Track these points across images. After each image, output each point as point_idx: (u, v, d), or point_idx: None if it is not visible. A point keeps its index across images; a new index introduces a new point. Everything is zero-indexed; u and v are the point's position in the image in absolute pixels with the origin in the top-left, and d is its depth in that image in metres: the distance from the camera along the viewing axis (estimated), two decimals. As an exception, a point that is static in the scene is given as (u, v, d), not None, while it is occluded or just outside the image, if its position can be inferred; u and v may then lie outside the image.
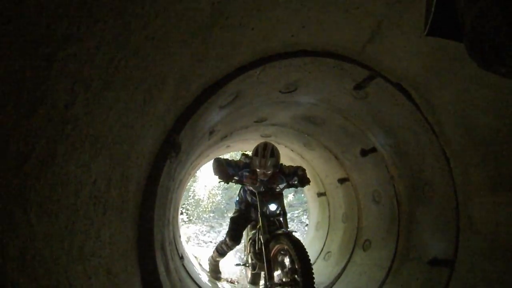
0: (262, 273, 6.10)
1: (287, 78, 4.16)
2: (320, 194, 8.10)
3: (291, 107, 5.30)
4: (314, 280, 3.93)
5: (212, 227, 18.57)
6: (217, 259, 6.71)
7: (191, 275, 5.57)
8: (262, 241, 4.84)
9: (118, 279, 2.12)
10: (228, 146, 7.56)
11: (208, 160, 8.48)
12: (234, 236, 6.04)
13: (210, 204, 22.19)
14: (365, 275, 5.39)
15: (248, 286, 6.78)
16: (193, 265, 7.06)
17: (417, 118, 4.17)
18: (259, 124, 6.11)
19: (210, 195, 23.07)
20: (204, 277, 6.55)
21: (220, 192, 23.85)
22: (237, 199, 6.54)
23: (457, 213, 3.98)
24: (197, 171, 9.85)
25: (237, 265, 7.32)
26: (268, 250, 4.72)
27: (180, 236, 7.60)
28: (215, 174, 5.21)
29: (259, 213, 5.11)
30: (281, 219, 5.30)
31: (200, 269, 7.45)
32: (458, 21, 1.37)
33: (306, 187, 6.48)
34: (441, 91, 3.73)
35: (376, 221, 5.85)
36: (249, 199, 6.07)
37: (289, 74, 4.00)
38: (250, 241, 6.04)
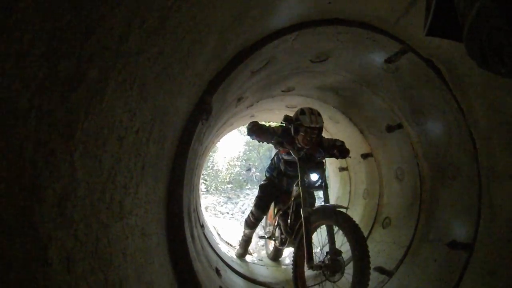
0: (289, 249, 6.03)
1: (320, 47, 4.13)
2: (342, 169, 8.04)
3: (319, 77, 5.27)
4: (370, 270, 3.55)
5: (229, 198, 18.68)
6: (246, 231, 6.22)
7: (211, 244, 5.64)
8: (303, 215, 4.16)
9: (151, 241, 2.15)
10: (252, 116, 7.52)
11: (232, 129, 8.49)
12: (260, 206, 5.70)
13: (229, 175, 22.28)
14: (383, 253, 5.39)
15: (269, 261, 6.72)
16: (212, 234, 7.14)
17: (446, 96, 4.11)
18: (286, 94, 6.08)
19: (229, 166, 23.15)
20: (223, 247, 6.62)
21: (239, 163, 23.90)
22: (269, 166, 5.98)
23: (479, 197, 3.92)
24: (218, 141, 9.84)
25: (261, 237, 6.86)
26: (309, 226, 4.12)
27: (200, 205, 7.69)
28: (252, 134, 4.60)
29: (299, 182, 4.43)
30: (320, 192, 4.67)
31: (219, 239, 7.54)
32: (458, 21, 1.36)
33: (328, 160, 6.44)
34: (471, 70, 3.67)
35: (397, 199, 5.82)
36: (282, 168, 5.55)
37: (321, 42, 3.98)
38: (280, 212, 5.56)
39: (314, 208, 4.33)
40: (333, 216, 3.95)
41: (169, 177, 2.65)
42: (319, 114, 4.58)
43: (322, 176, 4.55)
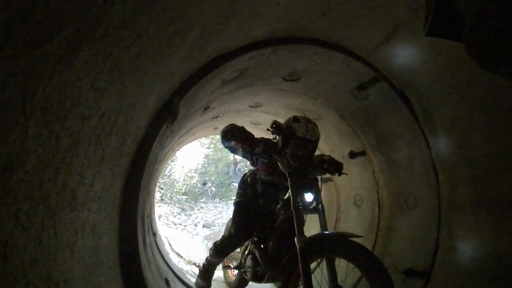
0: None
1: (294, 65, 4.12)
2: (300, 191, 8.01)
3: (289, 96, 5.24)
4: None
5: (183, 209, 18.60)
6: (213, 259, 4.93)
7: (162, 254, 5.50)
8: (298, 246, 3.07)
9: (102, 241, 2.03)
10: (215, 128, 7.45)
11: (194, 139, 8.39)
12: (242, 230, 4.40)
13: (185, 186, 22.19)
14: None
15: None
16: (164, 244, 7.02)
17: (413, 128, 4.18)
18: (253, 110, 6.03)
19: (186, 177, 23.07)
20: (174, 258, 6.49)
21: (196, 175, 23.86)
22: (241, 182, 4.71)
23: (438, 228, 3.98)
24: (178, 150, 9.72)
25: (226, 267, 5.69)
26: (306, 260, 3.10)
27: (154, 213, 7.57)
28: (230, 138, 3.52)
29: (292, 204, 3.31)
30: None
31: (170, 249, 7.42)
32: (458, 21, 1.37)
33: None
34: (443, 106, 3.76)
35: (354, 225, 5.82)
36: (259, 189, 4.37)
37: (297, 60, 3.97)
38: (253, 239, 4.55)
39: (312, 236, 3.24)
40: (344, 247, 3.14)
41: (127, 175, 2.53)
42: (315, 125, 3.65)
43: (318, 197, 3.54)
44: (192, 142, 10.46)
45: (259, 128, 7.20)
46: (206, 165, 25.03)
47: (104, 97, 1.65)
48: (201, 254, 10.61)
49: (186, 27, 2.13)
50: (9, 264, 1.13)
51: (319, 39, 3.62)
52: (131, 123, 2.18)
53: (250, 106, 5.85)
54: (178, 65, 2.55)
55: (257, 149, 3.51)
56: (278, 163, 3.57)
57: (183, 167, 23.60)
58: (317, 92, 4.90)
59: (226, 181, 23.76)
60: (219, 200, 22.32)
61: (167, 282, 4.13)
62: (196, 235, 14.03)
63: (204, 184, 23.17)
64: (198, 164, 24.94)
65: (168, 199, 20.01)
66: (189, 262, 7.94)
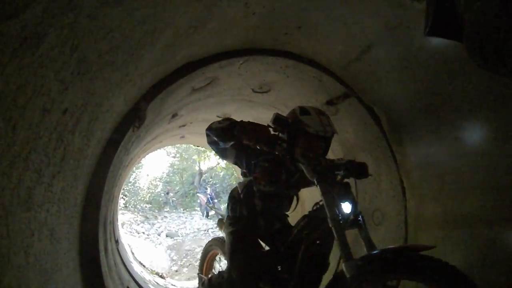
0: None
1: (265, 77, 4.12)
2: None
3: (257, 109, 5.24)
4: None
5: (147, 218, 18.39)
6: None
7: (124, 262, 5.38)
8: (349, 275, 2.24)
9: (60, 245, 1.95)
10: (182, 137, 7.40)
11: (160, 147, 8.29)
12: (247, 270, 2.95)
13: (149, 194, 22.00)
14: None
15: None
16: (126, 252, 6.89)
17: (381, 144, 4.22)
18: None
19: (151, 185, 22.88)
20: (136, 267, 6.38)
21: (160, 184, 23.69)
22: (230, 203, 3.37)
23: (405, 242, 4.02)
24: (144, 157, 9.59)
25: None
26: None
27: (117, 220, 7.45)
28: (237, 135, 2.74)
29: (329, 219, 2.39)
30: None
31: (133, 258, 7.30)
32: (458, 21, 1.38)
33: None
34: (412, 123, 3.81)
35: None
36: (258, 205, 3.16)
37: (268, 72, 3.97)
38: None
39: (366, 257, 2.31)
40: (417, 265, 2.13)
41: (90, 179, 2.46)
42: (329, 118, 2.95)
43: (357, 206, 2.57)
44: (158, 151, 10.35)
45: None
46: (171, 174, 24.87)
47: (68, 91, 1.58)
48: (164, 264, 10.48)
49: (159, 28, 2.10)
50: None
51: (291, 52, 3.63)
52: (96, 123, 2.12)
53: (218, 116, 5.81)
54: (148, 68, 2.50)
55: (273, 149, 2.65)
56: (302, 166, 2.60)
57: (147, 175, 23.39)
58: (286, 105, 4.90)
59: (190, 191, 23.61)
60: (183, 210, 22.15)
61: (129, 291, 4.04)
62: (159, 244, 13.84)
63: (167, 193, 22.99)
64: (163, 172, 24.76)
65: (131, 207, 19.77)
66: (151, 272, 7.84)
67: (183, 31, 2.43)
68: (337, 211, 2.40)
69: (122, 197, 18.75)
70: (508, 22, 1.12)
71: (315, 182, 2.47)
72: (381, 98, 3.91)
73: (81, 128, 1.90)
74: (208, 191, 20.35)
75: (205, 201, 19.80)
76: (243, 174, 3.34)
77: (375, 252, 2.34)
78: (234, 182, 21.05)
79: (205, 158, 22.47)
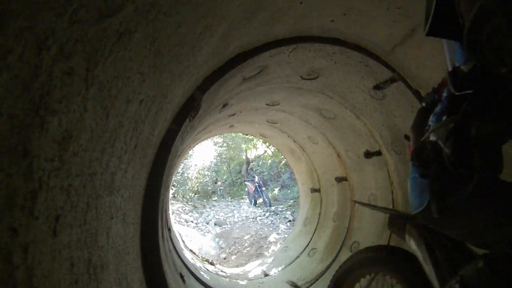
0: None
1: (313, 64, 4.16)
2: (314, 190, 8.05)
3: (306, 95, 5.29)
4: None
5: (195, 207, 18.66)
6: None
7: (176, 249, 5.53)
8: None
9: (129, 230, 2.07)
10: (231, 126, 7.50)
11: (209, 137, 8.43)
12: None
13: (197, 184, 22.21)
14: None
15: None
16: (177, 240, 7.06)
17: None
18: (270, 108, 6.08)
19: (199, 175, 23.09)
20: (187, 254, 6.53)
21: (208, 173, 23.90)
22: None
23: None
24: (194, 147, 9.74)
25: None
26: None
27: (169, 208, 7.63)
28: None
29: None
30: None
31: (183, 245, 7.48)
32: (458, 21, 1.39)
33: (300, 181, 6.02)
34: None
35: (368, 225, 5.84)
36: None
37: (316, 59, 4.01)
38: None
39: None
40: None
41: (151, 167, 2.58)
42: None
43: None
44: (206, 141, 10.49)
45: (274, 126, 7.25)
46: (219, 164, 25.07)
47: (145, 83, 1.71)
48: (212, 252, 10.67)
49: (216, 21, 2.19)
50: (57, 242, 1.18)
51: (338, 38, 3.67)
52: (161, 113, 2.25)
53: (267, 104, 5.89)
54: (204, 60, 2.61)
55: None
56: None
57: (196, 165, 23.65)
58: (334, 91, 4.93)
59: (238, 180, 23.74)
60: (231, 199, 22.31)
61: (181, 277, 4.17)
62: (208, 232, 14.07)
63: (216, 182, 23.19)
64: (210, 162, 24.98)
65: (180, 197, 20.06)
66: (202, 259, 8.00)
67: (237, 22, 2.51)
68: None
69: (171, 187, 19.11)
70: (508, 22, 1.13)
71: None
72: (427, 81, 3.89)
73: (150, 118, 2.02)
74: (256, 179, 20.40)
75: (253, 189, 19.90)
76: None
77: None
78: (282, 170, 21.08)
79: (252, 146, 22.53)
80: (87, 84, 1.19)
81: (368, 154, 5.56)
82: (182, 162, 21.39)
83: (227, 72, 3.12)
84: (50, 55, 0.99)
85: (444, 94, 2.01)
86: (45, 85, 1.00)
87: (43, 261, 1.10)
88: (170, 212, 10.67)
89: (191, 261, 6.20)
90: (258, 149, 22.69)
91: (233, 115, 6.04)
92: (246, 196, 21.52)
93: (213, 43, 2.47)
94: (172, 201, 17.88)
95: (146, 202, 2.54)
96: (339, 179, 6.75)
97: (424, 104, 2.58)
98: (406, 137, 2.72)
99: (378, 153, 5.34)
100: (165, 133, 2.71)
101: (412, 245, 2.60)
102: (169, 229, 5.68)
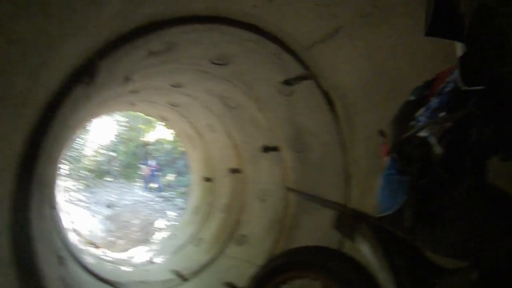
0: None
1: (226, 49, 4.06)
2: (206, 179, 7.98)
3: (212, 81, 5.13)
4: None
5: (88, 186, 18.16)
6: None
7: (59, 229, 5.11)
8: None
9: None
10: (133, 104, 7.22)
11: (108, 112, 8.11)
12: None
13: (93, 162, 21.63)
14: (234, 269, 5.39)
15: None
16: (62, 219, 6.66)
17: (332, 131, 4.25)
18: (173, 90, 5.84)
19: (96, 153, 22.48)
20: (71, 235, 6.19)
21: (106, 152, 23.31)
22: None
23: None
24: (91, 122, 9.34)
25: None
26: None
27: (55, 184, 7.21)
28: None
29: None
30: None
31: (70, 226, 7.16)
32: (458, 21, 1.39)
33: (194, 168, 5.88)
34: (365, 114, 3.85)
35: (257, 219, 5.85)
36: None
37: (230, 45, 3.92)
38: None
39: None
40: None
41: (29, 133, 2.28)
42: None
43: None
44: (107, 119, 10.15)
45: (176, 110, 7.06)
46: (117, 144, 24.47)
47: (21, 20, 1.46)
48: (101, 234, 10.40)
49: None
50: None
51: (257, 26, 3.57)
52: (45, 69, 1.98)
53: (171, 85, 5.67)
54: (107, 19, 2.37)
55: None
56: None
57: (93, 142, 22.91)
58: (241, 80, 4.85)
59: (134, 162, 23.35)
60: (124, 180, 21.93)
61: (60, 259, 3.87)
62: (98, 214, 13.70)
63: (110, 162, 22.70)
64: (110, 141, 24.36)
65: (74, 174, 19.35)
66: (87, 242, 7.73)
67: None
68: None
69: (66, 163, 18.36)
70: (508, 22, 1.13)
71: None
72: (339, 84, 3.93)
73: (27, 69, 1.75)
74: (152, 163, 20.38)
75: (148, 173, 19.84)
76: None
77: None
78: (179, 156, 21.00)
79: (152, 129, 22.28)
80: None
81: (265, 149, 5.55)
82: (80, 138, 20.65)
83: (132, 40, 2.89)
84: None
85: (447, 88, 1.89)
86: None
87: None
88: (59, 189, 10.16)
89: (76, 243, 5.88)
90: (158, 132, 22.51)
91: (135, 92, 5.75)
92: (141, 180, 21.36)
93: (120, 2, 2.26)
94: (66, 178, 17.17)
95: (19, 172, 2.26)
96: (233, 171, 6.72)
97: (412, 98, 2.40)
98: (381, 133, 2.55)
99: (276, 148, 5.34)
100: (51, 96, 2.42)
101: (365, 249, 2.48)
102: (54, 207, 5.31)
